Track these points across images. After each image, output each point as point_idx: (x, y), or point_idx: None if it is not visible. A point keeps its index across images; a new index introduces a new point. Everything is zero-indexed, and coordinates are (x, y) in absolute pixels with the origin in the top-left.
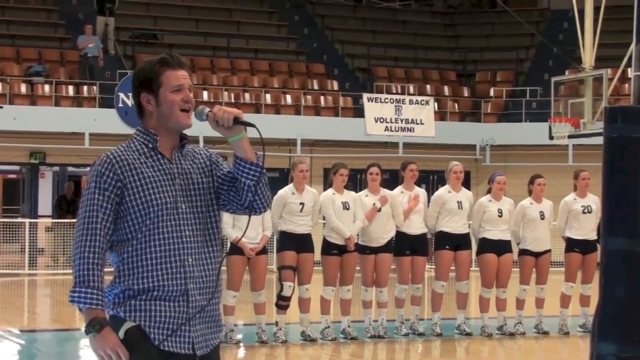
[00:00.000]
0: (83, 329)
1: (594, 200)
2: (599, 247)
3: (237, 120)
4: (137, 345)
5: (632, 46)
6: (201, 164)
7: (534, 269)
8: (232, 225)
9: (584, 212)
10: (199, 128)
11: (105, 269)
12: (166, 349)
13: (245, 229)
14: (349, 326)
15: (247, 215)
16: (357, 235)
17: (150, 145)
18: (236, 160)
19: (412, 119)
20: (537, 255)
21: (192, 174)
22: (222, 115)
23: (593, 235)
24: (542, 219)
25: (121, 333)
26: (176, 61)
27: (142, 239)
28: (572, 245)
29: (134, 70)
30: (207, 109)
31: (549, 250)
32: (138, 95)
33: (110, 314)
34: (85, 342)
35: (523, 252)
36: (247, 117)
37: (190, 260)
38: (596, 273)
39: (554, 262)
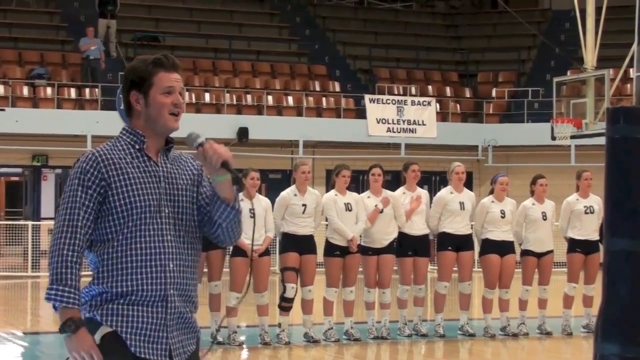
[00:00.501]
0: (58, 329)
1: (596, 201)
2: (601, 247)
3: (224, 164)
4: (113, 351)
5: (634, 46)
6: (188, 171)
7: (537, 270)
8: None
9: (586, 213)
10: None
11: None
12: (142, 355)
13: (252, 237)
14: (351, 327)
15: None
16: (360, 236)
17: (137, 147)
18: (214, 197)
19: (414, 120)
20: (539, 255)
21: (178, 179)
22: (212, 155)
23: (595, 236)
24: (544, 219)
25: (97, 338)
26: (170, 63)
27: (123, 240)
28: (575, 245)
29: (126, 67)
30: (200, 140)
31: (551, 251)
32: (128, 93)
33: (86, 316)
34: None
35: (525, 253)
36: (249, 119)
37: (171, 265)
38: (599, 273)
39: (557, 262)
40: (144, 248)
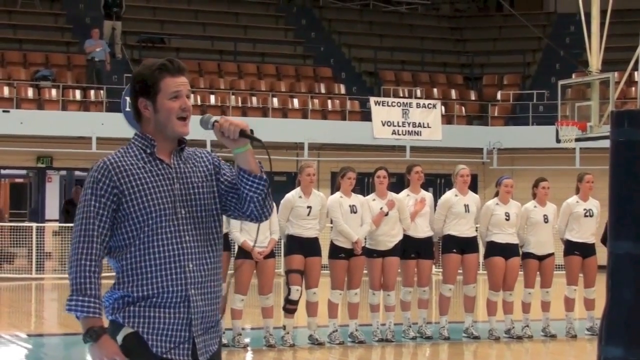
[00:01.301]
0: (82, 339)
1: (595, 205)
2: (598, 250)
3: (243, 133)
4: (135, 352)
5: (639, 49)
6: (203, 167)
7: (538, 273)
8: (240, 229)
9: (585, 216)
10: (206, 133)
11: (103, 274)
12: (165, 356)
13: (255, 238)
14: (356, 330)
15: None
16: (365, 238)
17: (149, 151)
18: (240, 172)
19: (419, 123)
20: (540, 258)
21: (193, 178)
22: (228, 127)
23: (592, 239)
24: (546, 222)
25: (119, 339)
26: (176, 67)
27: (141, 245)
28: (572, 248)
29: (132, 74)
30: (214, 119)
31: (552, 254)
32: (136, 100)
33: (109, 318)
34: None
35: (526, 256)
36: (255, 121)
37: (191, 265)
38: (599, 276)
39: (558, 265)
40: (162, 251)
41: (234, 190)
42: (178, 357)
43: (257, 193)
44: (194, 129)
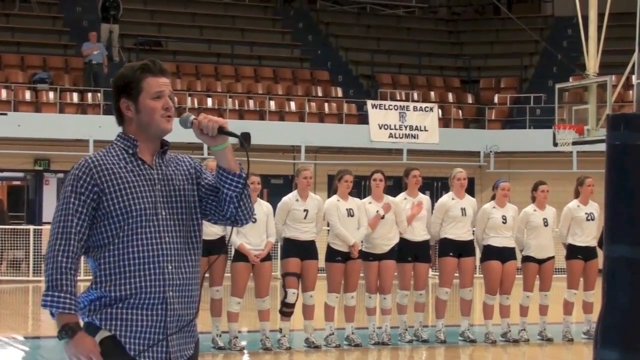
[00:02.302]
0: (56, 336)
1: (595, 208)
2: (599, 253)
3: (221, 130)
4: (112, 355)
5: (636, 53)
6: (185, 170)
7: (537, 276)
8: (236, 232)
9: (587, 220)
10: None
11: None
12: (141, 359)
13: (228, 239)
14: (352, 333)
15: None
16: (361, 242)
17: (130, 151)
18: (219, 171)
19: (416, 126)
20: (540, 262)
21: (174, 180)
22: (207, 123)
23: (594, 242)
24: (546, 225)
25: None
26: (158, 68)
27: (120, 244)
28: (575, 252)
29: (114, 76)
30: (192, 117)
31: (552, 257)
32: (118, 101)
33: (84, 320)
34: None
35: (526, 259)
36: (251, 124)
37: (170, 267)
38: (598, 280)
39: (557, 269)
40: (142, 251)
41: (214, 193)
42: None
43: (237, 192)
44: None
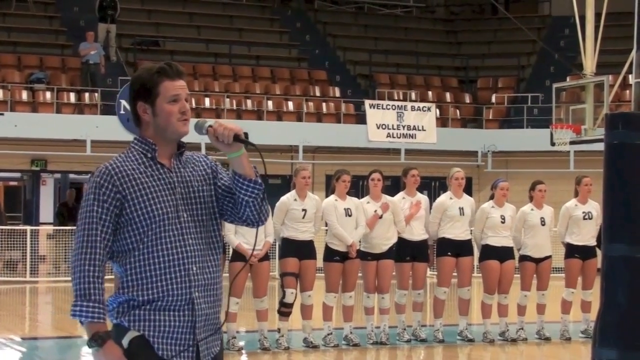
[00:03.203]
0: (86, 344)
1: (594, 207)
2: (598, 253)
3: (237, 138)
4: (141, 355)
5: (633, 52)
6: (202, 171)
7: (535, 275)
8: (234, 232)
9: (584, 218)
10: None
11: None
12: (170, 359)
13: (255, 242)
14: (351, 332)
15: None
16: (359, 241)
17: (150, 155)
18: (235, 177)
19: (414, 126)
20: (537, 261)
21: (193, 182)
22: (222, 131)
23: (592, 242)
24: (543, 225)
25: (125, 342)
26: (174, 71)
27: (145, 249)
28: (573, 251)
29: (131, 78)
30: (208, 123)
31: (550, 257)
32: (135, 105)
33: (113, 322)
34: (87, 349)
35: (523, 258)
36: (249, 124)
37: (194, 268)
38: (597, 279)
39: (555, 268)
40: (166, 255)
41: (230, 195)
42: (183, 359)
43: (253, 197)
44: (192, 132)
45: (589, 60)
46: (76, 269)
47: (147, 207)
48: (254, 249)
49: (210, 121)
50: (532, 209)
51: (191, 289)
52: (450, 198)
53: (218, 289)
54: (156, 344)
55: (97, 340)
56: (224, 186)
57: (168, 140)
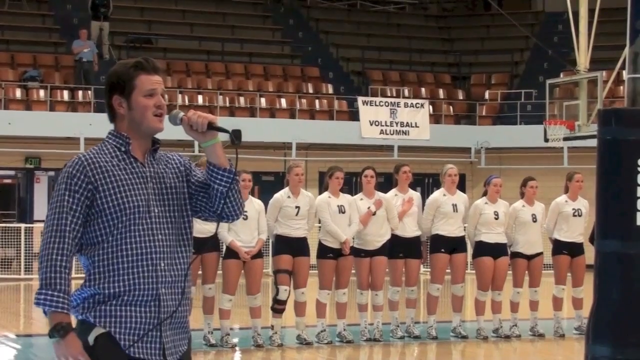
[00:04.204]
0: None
1: (584, 204)
2: (586, 249)
3: (211, 126)
4: (107, 352)
5: (627, 48)
6: (175, 168)
7: (527, 272)
8: (227, 229)
9: (574, 215)
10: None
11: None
12: (136, 355)
13: (215, 230)
14: (344, 329)
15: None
16: (353, 238)
17: (123, 149)
18: (209, 166)
19: (407, 122)
20: (529, 258)
21: (165, 178)
22: (197, 119)
23: (580, 239)
24: (534, 221)
25: (91, 339)
26: (151, 66)
27: (114, 242)
28: (561, 247)
29: (107, 73)
30: (182, 113)
31: (541, 253)
32: (110, 98)
33: (78, 318)
34: None
35: (515, 255)
36: (242, 121)
37: (162, 264)
38: (587, 275)
39: (547, 264)
40: (135, 248)
41: (204, 189)
42: (149, 356)
43: (227, 186)
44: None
45: (583, 56)
46: (43, 258)
47: (119, 199)
48: (215, 235)
49: (183, 112)
50: (523, 206)
51: (158, 284)
52: (444, 195)
53: (186, 287)
54: (122, 340)
55: (59, 331)
56: (198, 182)
57: (142, 135)
